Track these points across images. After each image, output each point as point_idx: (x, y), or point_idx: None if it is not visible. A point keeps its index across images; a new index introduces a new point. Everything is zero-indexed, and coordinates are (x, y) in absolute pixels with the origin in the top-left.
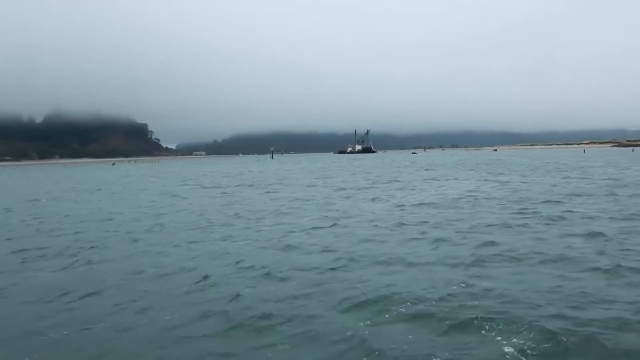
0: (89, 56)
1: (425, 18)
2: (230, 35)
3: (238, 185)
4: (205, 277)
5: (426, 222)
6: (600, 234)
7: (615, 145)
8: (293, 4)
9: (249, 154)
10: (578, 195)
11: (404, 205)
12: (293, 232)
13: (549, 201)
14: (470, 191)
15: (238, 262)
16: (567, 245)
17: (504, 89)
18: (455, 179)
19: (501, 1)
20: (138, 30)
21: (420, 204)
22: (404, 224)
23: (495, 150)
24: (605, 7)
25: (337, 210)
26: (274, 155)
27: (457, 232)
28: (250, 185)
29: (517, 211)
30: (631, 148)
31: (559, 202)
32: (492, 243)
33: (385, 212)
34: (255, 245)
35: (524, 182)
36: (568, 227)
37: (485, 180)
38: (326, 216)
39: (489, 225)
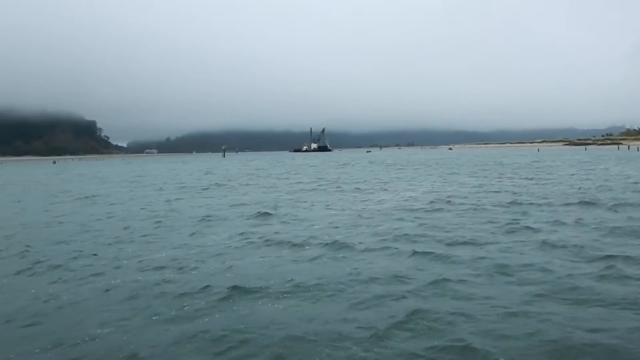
0: (34, 50)
1: (390, 19)
2: (182, 29)
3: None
4: None
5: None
6: None
7: (566, 144)
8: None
9: (203, 152)
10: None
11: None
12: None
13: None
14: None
15: None
16: None
17: (460, 89)
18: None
19: (461, 7)
20: (87, 23)
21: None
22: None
23: (450, 149)
24: (560, 10)
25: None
26: (225, 153)
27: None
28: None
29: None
30: (584, 147)
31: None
32: None
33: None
34: None
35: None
36: None
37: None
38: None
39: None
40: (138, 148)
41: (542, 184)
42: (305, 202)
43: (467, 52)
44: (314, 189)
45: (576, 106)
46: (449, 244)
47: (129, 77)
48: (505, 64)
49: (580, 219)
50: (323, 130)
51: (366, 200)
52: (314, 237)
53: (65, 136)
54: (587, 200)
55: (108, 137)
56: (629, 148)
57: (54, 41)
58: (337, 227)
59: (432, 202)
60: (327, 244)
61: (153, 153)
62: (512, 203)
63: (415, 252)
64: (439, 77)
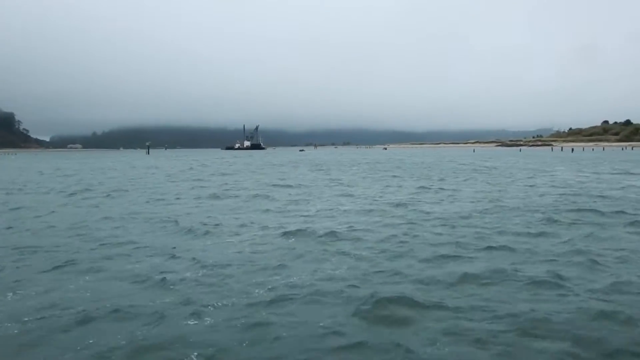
0: None
1: (339, 15)
2: (115, 15)
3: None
4: None
5: None
6: None
7: (499, 145)
8: None
9: (132, 148)
10: None
11: None
12: None
13: None
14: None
15: None
16: None
17: (396, 91)
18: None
19: (411, 12)
20: (4, 9)
21: None
22: None
23: (385, 148)
24: (492, 15)
25: None
26: (150, 150)
27: None
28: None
29: None
30: (516, 148)
31: None
32: None
33: None
34: None
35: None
36: None
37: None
38: None
39: None
40: (61, 143)
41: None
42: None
43: (404, 56)
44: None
45: (506, 109)
46: None
47: (55, 66)
48: (441, 69)
49: None
50: (257, 128)
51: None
52: None
53: None
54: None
55: (28, 131)
56: (562, 149)
57: None
58: None
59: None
60: None
61: (77, 148)
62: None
63: None
64: (376, 78)
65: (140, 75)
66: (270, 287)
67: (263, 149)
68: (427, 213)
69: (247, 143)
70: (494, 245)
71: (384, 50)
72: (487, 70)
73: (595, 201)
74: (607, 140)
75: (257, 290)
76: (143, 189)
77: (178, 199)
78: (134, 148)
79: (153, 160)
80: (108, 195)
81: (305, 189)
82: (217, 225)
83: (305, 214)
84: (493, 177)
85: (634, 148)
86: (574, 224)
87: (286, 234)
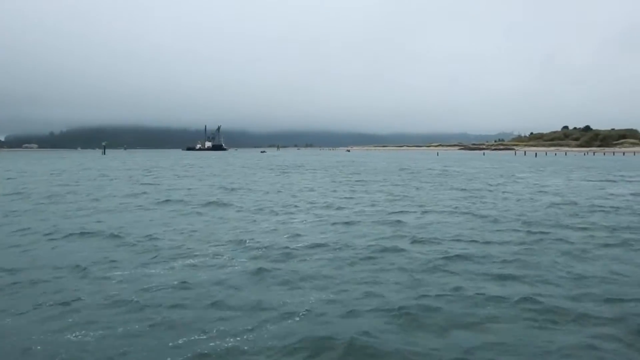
0: None
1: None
2: (74, 12)
3: None
4: None
5: None
6: None
7: (461, 148)
8: None
9: (90, 148)
10: None
11: None
12: None
13: None
14: None
15: None
16: None
17: (358, 92)
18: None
19: (378, 13)
20: None
21: None
22: None
23: (349, 150)
24: (457, 21)
25: None
26: (105, 150)
27: None
28: None
29: None
30: (479, 151)
31: None
32: None
33: None
34: None
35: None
36: None
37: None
38: None
39: None
40: (17, 142)
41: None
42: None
43: (369, 59)
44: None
45: (468, 113)
46: None
47: (10, 63)
48: (405, 73)
49: None
50: (219, 129)
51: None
52: None
53: None
54: None
55: None
56: (525, 154)
57: None
58: None
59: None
60: None
61: (32, 148)
62: None
63: None
64: (339, 78)
65: (101, 73)
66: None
67: (225, 149)
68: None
69: (208, 144)
70: None
71: (348, 51)
72: (451, 74)
73: None
74: (568, 145)
75: None
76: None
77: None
78: (93, 148)
79: (91, 162)
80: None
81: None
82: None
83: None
84: (494, 189)
85: (595, 154)
86: None
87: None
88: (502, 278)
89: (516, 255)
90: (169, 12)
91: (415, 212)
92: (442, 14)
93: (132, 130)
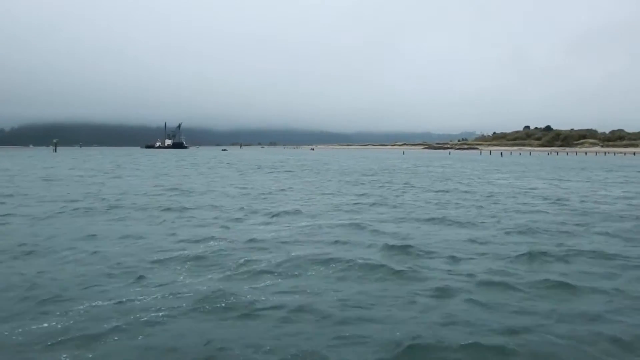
0: None
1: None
2: (28, 5)
3: None
4: None
5: None
6: None
7: (426, 147)
8: None
9: (43, 146)
10: None
11: None
12: None
13: None
14: None
15: None
16: None
17: (322, 92)
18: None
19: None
20: None
21: None
22: None
23: (313, 149)
24: (421, 22)
25: None
26: (57, 148)
27: None
28: None
29: None
30: (444, 150)
31: None
32: None
33: None
34: None
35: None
36: None
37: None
38: None
39: None
40: None
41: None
42: None
43: (334, 58)
44: None
45: (431, 113)
46: None
47: None
48: (369, 72)
49: None
50: (179, 126)
51: None
52: None
53: None
54: None
55: None
56: (490, 153)
57: None
58: None
59: None
60: None
61: None
62: None
63: None
64: (303, 77)
65: (55, 69)
66: None
67: (186, 147)
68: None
69: (168, 142)
70: None
71: (313, 51)
72: (413, 75)
73: None
74: (530, 145)
75: None
76: None
77: None
78: (46, 145)
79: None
80: None
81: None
82: None
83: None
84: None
85: (559, 153)
86: None
87: None
88: None
89: None
90: (127, 5)
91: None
92: (409, 17)
93: (89, 127)
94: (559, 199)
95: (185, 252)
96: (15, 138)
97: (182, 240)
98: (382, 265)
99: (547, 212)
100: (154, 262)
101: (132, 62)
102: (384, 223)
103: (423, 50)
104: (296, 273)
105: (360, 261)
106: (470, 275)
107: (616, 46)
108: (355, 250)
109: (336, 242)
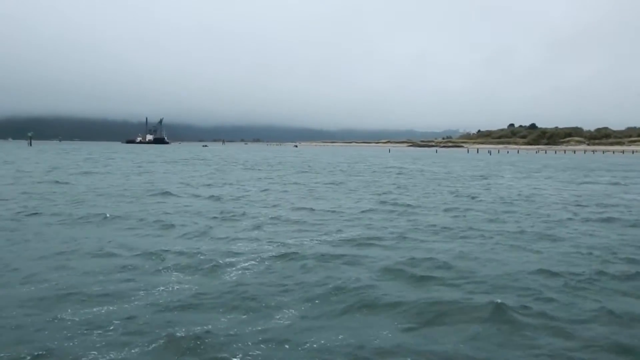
0: None
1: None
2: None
3: None
4: None
5: None
6: None
7: (410, 145)
8: None
9: (23, 139)
10: None
11: None
12: None
13: None
14: None
15: None
16: None
17: (306, 88)
18: None
19: (327, 12)
20: None
21: None
22: None
23: (296, 146)
24: (405, 19)
25: None
26: (32, 142)
27: None
28: None
29: None
30: (429, 148)
31: None
32: None
33: None
34: None
35: None
36: None
37: None
38: None
39: None
40: None
41: None
42: None
43: (317, 54)
44: None
45: (415, 110)
46: None
47: None
48: (353, 69)
49: None
50: (161, 121)
51: None
52: None
53: None
54: None
55: None
56: (478, 151)
57: None
58: None
59: None
60: None
61: None
62: None
63: None
64: (288, 74)
65: (34, 61)
66: None
67: (167, 143)
68: None
69: (149, 137)
70: None
71: (298, 48)
72: (395, 73)
73: None
74: (516, 143)
75: None
76: None
77: None
78: (26, 139)
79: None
80: None
81: None
82: None
83: None
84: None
85: (547, 152)
86: None
87: None
88: None
89: None
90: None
91: None
92: (392, 14)
93: (70, 122)
94: None
95: None
96: None
97: None
98: None
99: None
100: None
101: (114, 57)
102: None
103: (404, 48)
104: None
105: None
106: None
107: (600, 45)
108: None
109: None
